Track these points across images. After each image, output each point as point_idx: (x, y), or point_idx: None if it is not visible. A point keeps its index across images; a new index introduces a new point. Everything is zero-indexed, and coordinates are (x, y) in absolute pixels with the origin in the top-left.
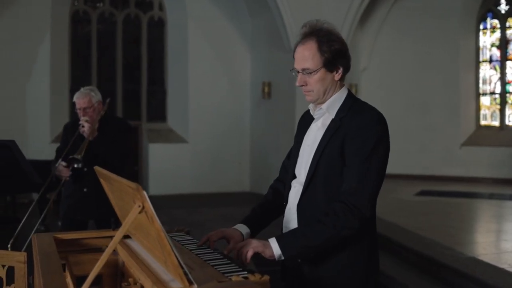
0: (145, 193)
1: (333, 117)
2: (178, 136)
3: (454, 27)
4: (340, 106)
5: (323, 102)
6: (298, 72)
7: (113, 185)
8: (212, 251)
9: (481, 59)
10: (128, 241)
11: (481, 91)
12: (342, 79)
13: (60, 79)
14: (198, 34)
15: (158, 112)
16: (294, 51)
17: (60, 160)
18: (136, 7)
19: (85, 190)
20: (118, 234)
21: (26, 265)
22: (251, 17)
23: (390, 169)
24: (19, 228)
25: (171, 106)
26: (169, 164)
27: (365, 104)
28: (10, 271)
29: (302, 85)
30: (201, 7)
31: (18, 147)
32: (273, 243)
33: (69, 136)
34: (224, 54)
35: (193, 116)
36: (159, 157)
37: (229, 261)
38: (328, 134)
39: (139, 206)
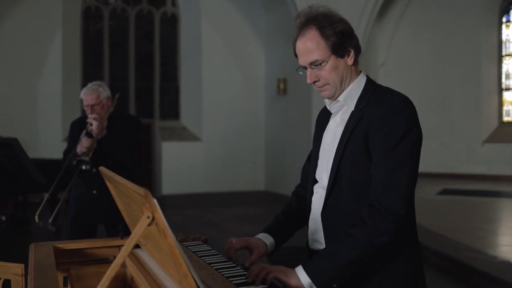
0: (155, 201)
1: (352, 109)
2: (192, 134)
3: (475, 20)
4: (360, 95)
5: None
6: (306, 68)
7: (119, 188)
8: (234, 265)
9: (503, 53)
10: (138, 251)
11: (504, 86)
12: (356, 63)
13: (72, 77)
14: (212, 30)
15: (171, 110)
16: (294, 47)
17: (83, 132)
18: (149, 3)
19: (94, 192)
20: (125, 247)
21: (23, 278)
22: (266, 12)
23: None
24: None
25: (185, 103)
26: (183, 163)
27: (387, 88)
28: (6, 284)
29: (314, 81)
30: (215, 2)
31: (20, 145)
32: (300, 271)
33: (76, 135)
34: (238, 50)
35: (207, 113)
36: (172, 155)
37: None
38: (349, 129)
39: (148, 218)
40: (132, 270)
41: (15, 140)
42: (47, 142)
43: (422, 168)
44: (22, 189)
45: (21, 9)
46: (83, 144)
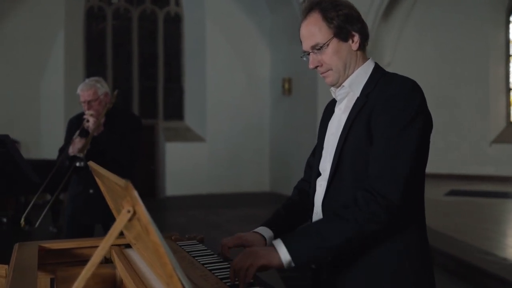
0: (136, 193)
1: (358, 95)
2: (196, 135)
3: (483, 19)
4: (366, 82)
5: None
6: (309, 53)
7: (105, 183)
8: (229, 265)
9: (511, 53)
10: (129, 251)
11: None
12: (362, 48)
13: (75, 77)
14: (216, 30)
15: (175, 110)
16: (299, 32)
17: (77, 133)
18: (152, 2)
19: (91, 191)
20: (102, 245)
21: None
22: (271, 12)
23: None
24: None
25: (189, 104)
26: (187, 164)
27: (396, 74)
28: None
29: (316, 66)
30: (219, 2)
31: (12, 142)
32: (280, 247)
33: (74, 131)
34: (243, 50)
35: (211, 114)
36: (176, 156)
37: (250, 280)
38: (353, 114)
39: (129, 212)
40: (120, 271)
41: (7, 137)
42: (49, 143)
43: (429, 169)
44: (17, 189)
45: (24, 9)
46: (76, 145)
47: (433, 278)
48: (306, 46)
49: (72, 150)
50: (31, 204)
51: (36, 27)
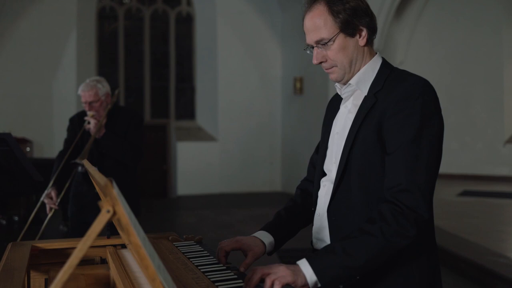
0: (116, 192)
1: (365, 93)
2: (207, 134)
3: (496, 18)
4: (374, 79)
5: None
6: (313, 47)
7: (95, 182)
8: (224, 268)
9: None
10: (124, 252)
11: None
12: (369, 43)
13: (87, 77)
14: (227, 29)
15: (187, 110)
16: (303, 23)
17: (49, 185)
18: (164, 2)
19: (95, 191)
20: (80, 247)
21: None
22: (282, 11)
23: None
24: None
25: (200, 103)
26: (198, 163)
27: (405, 71)
28: None
29: (321, 62)
30: (231, 1)
31: (14, 140)
32: (305, 266)
33: (76, 130)
34: (254, 49)
35: (223, 113)
36: (187, 156)
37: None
38: (361, 115)
39: (108, 212)
40: (113, 271)
41: (9, 135)
42: (62, 142)
43: (443, 169)
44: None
45: (36, 10)
46: (48, 203)
47: (440, 282)
48: (310, 39)
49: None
50: (35, 209)
51: (48, 27)
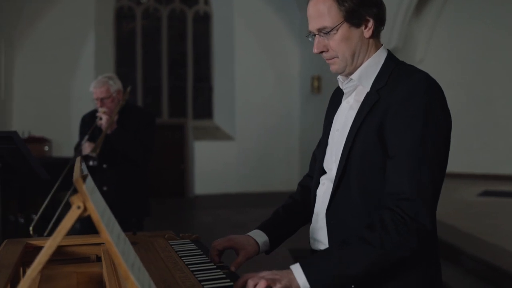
0: (85, 188)
1: (368, 89)
2: (225, 134)
3: None
4: (378, 74)
5: (355, 71)
6: (315, 35)
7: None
8: (214, 267)
9: None
10: None
11: None
12: (376, 35)
13: None
14: (245, 28)
15: (204, 109)
16: (307, 9)
17: (86, 136)
18: (181, 2)
19: (104, 188)
20: (49, 244)
21: None
22: (300, 9)
23: (449, 167)
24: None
25: (218, 102)
26: (215, 163)
27: (411, 67)
28: None
29: (322, 51)
30: (248, 0)
31: (21, 138)
32: (298, 272)
33: (87, 129)
34: (272, 48)
35: (240, 113)
36: (205, 155)
37: (231, 283)
38: (362, 113)
39: (79, 208)
40: (104, 270)
41: (15, 134)
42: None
43: (463, 168)
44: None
45: (55, 10)
46: (85, 150)
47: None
48: (313, 27)
49: (84, 153)
50: (40, 211)
51: (67, 28)
